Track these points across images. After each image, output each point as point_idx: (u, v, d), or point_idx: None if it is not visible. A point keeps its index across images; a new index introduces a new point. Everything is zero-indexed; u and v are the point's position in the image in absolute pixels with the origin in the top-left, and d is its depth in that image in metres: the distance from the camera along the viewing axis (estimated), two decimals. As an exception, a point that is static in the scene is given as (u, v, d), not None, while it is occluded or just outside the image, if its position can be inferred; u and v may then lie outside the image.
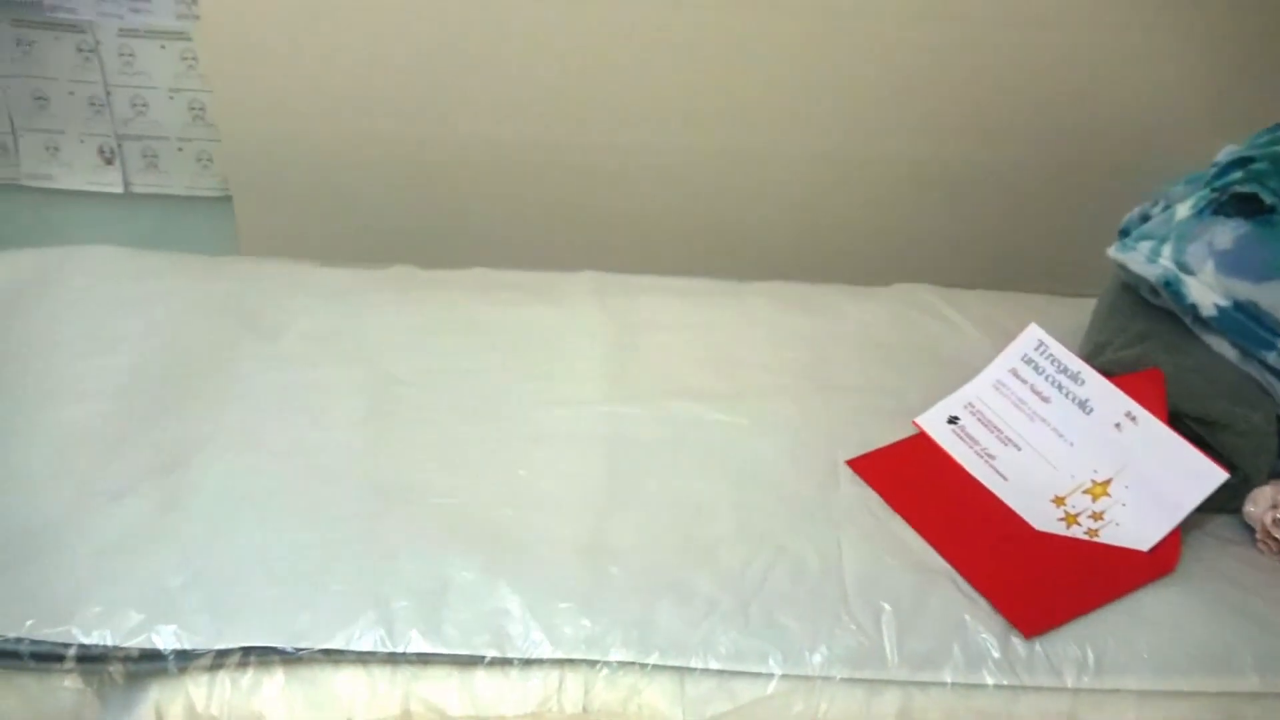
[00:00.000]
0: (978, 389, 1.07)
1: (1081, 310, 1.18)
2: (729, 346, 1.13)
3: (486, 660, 0.79)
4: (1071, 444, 1.00)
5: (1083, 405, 1.01)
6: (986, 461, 1.02)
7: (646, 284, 1.27)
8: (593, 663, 0.79)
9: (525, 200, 1.63)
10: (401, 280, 1.26)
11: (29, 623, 0.77)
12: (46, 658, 0.76)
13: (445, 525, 0.88)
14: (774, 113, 1.53)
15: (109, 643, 0.77)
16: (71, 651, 0.76)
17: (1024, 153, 1.53)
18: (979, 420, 1.05)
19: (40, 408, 0.97)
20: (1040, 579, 0.89)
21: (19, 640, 0.76)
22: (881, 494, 0.96)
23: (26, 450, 0.91)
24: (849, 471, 0.99)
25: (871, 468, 0.99)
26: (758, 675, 0.79)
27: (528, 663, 0.79)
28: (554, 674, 0.79)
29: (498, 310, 1.18)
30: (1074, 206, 1.57)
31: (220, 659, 0.77)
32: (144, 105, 1.68)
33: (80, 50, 1.63)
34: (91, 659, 0.77)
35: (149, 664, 0.77)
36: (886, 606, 0.83)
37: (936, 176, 1.56)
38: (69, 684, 0.77)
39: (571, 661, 0.79)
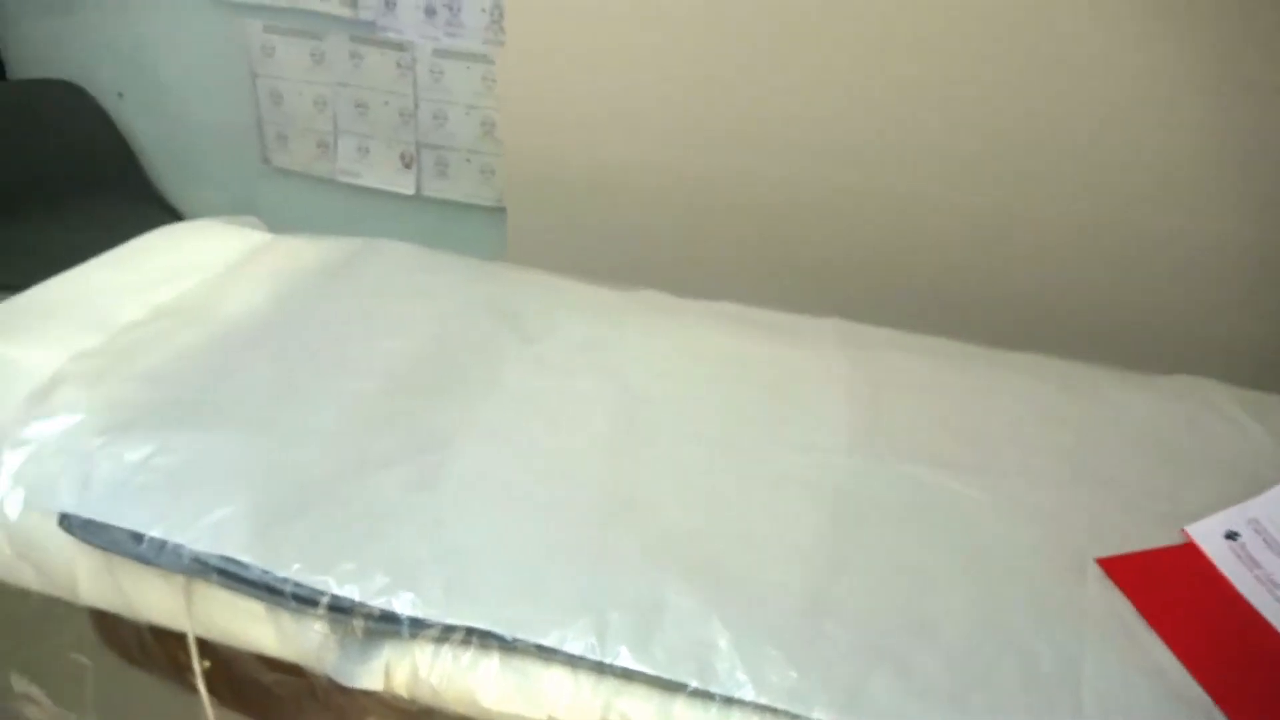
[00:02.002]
0: (1268, 506, 0.95)
1: None
2: (979, 417, 1.07)
3: (689, 689, 0.78)
4: (1382, 589, 0.86)
5: (1404, 546, 0.86)
6: (1269, 589, 0.89)
7: (895, 339, 1.23)
8: (796, 717, 0.77)
9: (780, 240, 1.64)
10: (651, 304, 1.30)
11: (295, 566, 0.85)
12: (304, 600, 0.84)
13: (667, 548, 0.89)
14: (1055, 176, 1.45)
15: (356, 598, 0.83)
16: (325, 600, 0.84)
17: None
18: (1265, 541, 0.93)
19: (331, 378, 1.08)
20: (1326, 739, 0.77)
21: (285, 580, 0.85)
22: (1135, 603, 0.87)
23: (316, 414, 1.02)
24: (1100, 572, 0.90)
25: (1127, 572, 0.90)
26: (972, 770, 0.74)
27: (729, 701, 0.78)
28: (754, 719, 0.78)
29: (741, 345, 1.19)
30: None
31: (447, 633, 0.82)
32: (444, 118, 1.85)
33: (399, 66, 1.83)
34: (340, 609, 0.84)
35: (386, 624, 0.83)
36: (1130, 730, 0.75)
37: (1240, 259, 1.40)
38: (318, 628, 0.85)
39: (774, 710, 0.77)
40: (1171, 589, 0.89)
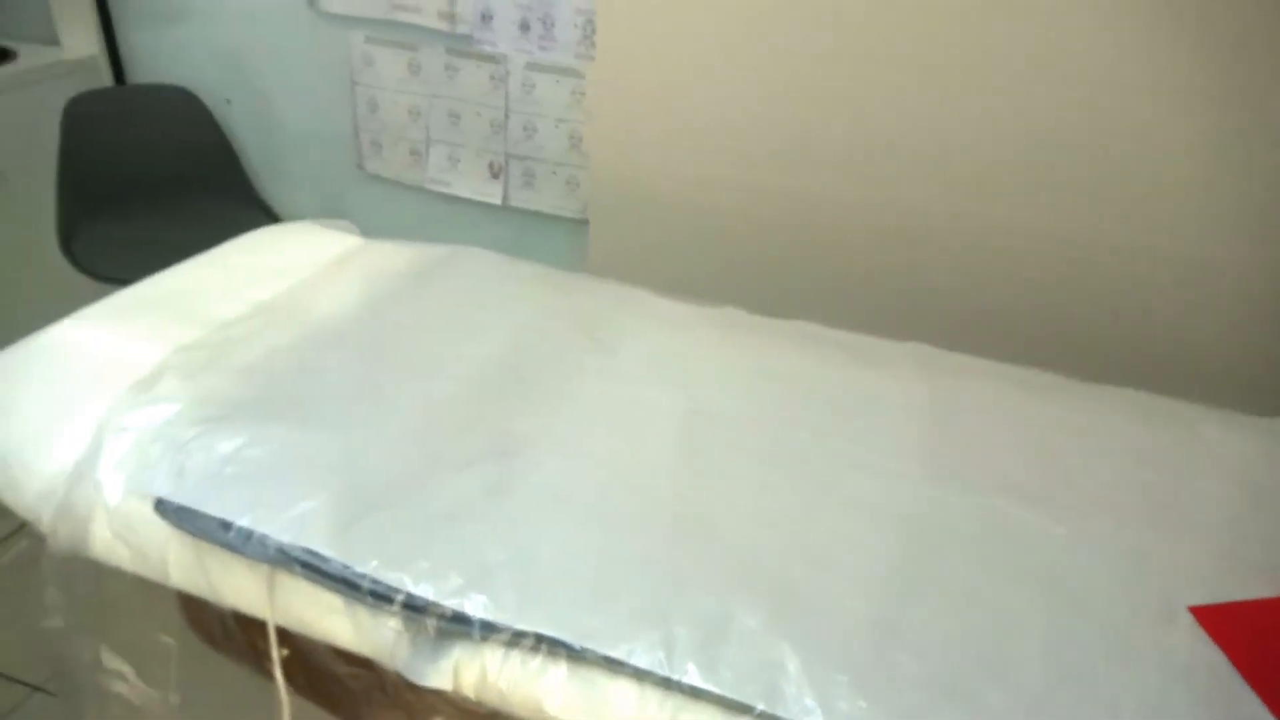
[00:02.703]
0: (1378, 561, 0.90)
1: None
2: (1065, 450, 1.04)
3: (756, 711, 0.77)
4: None
5: None
6: (1378, 651, 0.84)
7: (976, 366, 1.21)
8: (863, 746, 0.75)
9: (861, 262, 1.62)
10: (729, 321, 1.30)
11: (373, 563, 0.87)
12: (380, 596, 0.86)
13: (736, 566, 0.89)
14: (1149, 203, 1.40)
15: (430, 597, 0.85)
16: (400, 597, 0.85)
17: None
18: (1374, 599, 0.88)
19: (415, 380, 1.10)
20: None
21: (362, 576, 0.87)
22: (1230, 656, 0.83)
23: (398, 414, 1.05)
24: (1190, 619, 0.86)
25: (1221, 622, 0.86)
26: (1044, 817, 0.72)
27: (795, 726, 0.77)
28: (820, 745, 0.77)
29: (818, 366, 1.18)
30: None
31: (517, 638, 0.83)
32: (533, 130, 1.88)
33: (492, 79, 1.87)
34: (414, 608, 0.85)
35: (457, 625, 0.84)
36: (1217, 789, 0.72)
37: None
38: (392, 624, 0.87)
39: (842, 739, 0.76)
40: (1271, 644, 0.85)
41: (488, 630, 0.83)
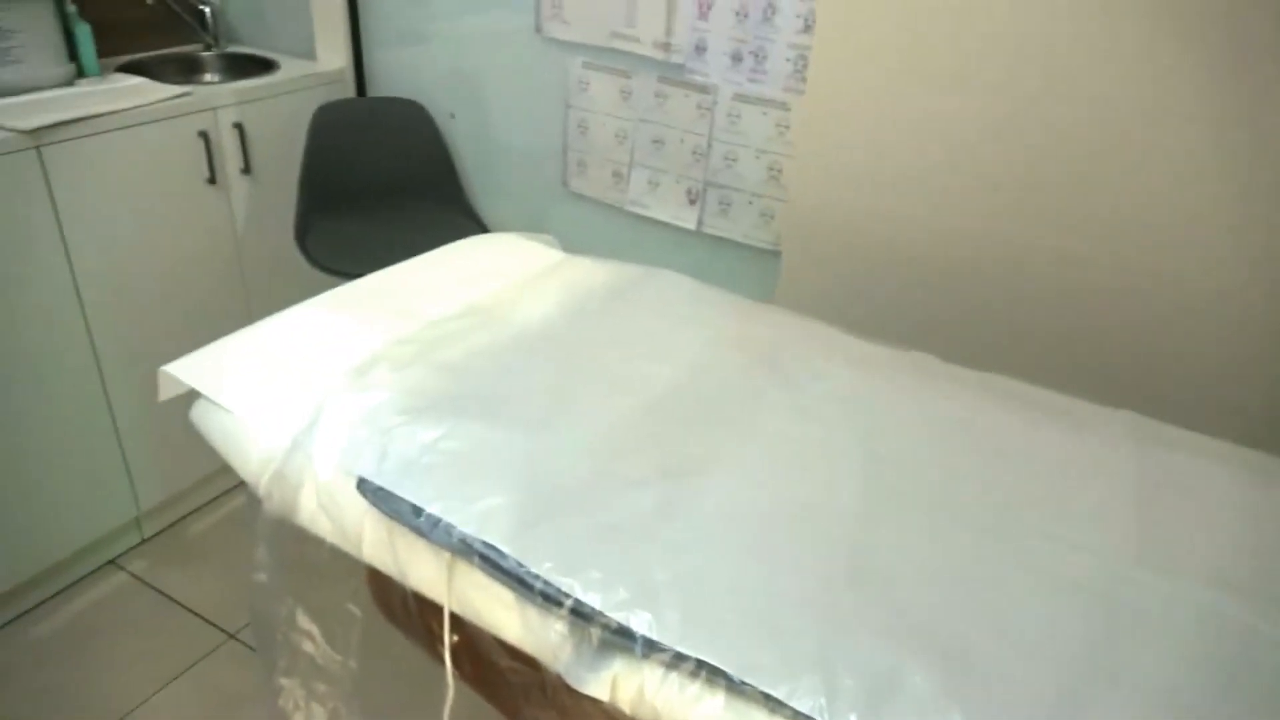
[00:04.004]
0: None
1: None
2: (1296, 547, 0.94)
3: (917, 778, 0.74)
4: None
5: None
6: None
7: (1193, 443, 1.10)
8: (1033, 838, 0.70)
9: (1064, 319, 1.52)
10: (919, 366, 1.25)
11: (546, 565, 0.90)
12: (550, 598, 0.89)
13: (913, 622, 0.85)
14: None
15: (597, 606, 0.87)
16: (569, 602, 0.88)
17: None
18: None
19: (600, 393, 1.14)
20: None
21: (535, 576, 0.90)
22: None
23: (583, 423, 1.08)
24: None
25: None
26: None
27: (958, 802, 0.73)
28: (984, 828, 0.72)
29: (1015, 424, 1.12)
30: None
31: (678, 660, 0.83)
32: (734, 160, 1.90)
33: (699, 108, 1.91)
34: (580, 614, 0.87)
35: (620, 638, 0.85)
36: None
37: None
38: (559, 627, 0.89)
39: (1009, 825, 0.71)
40: None
41: (650, 648, 0.84)
